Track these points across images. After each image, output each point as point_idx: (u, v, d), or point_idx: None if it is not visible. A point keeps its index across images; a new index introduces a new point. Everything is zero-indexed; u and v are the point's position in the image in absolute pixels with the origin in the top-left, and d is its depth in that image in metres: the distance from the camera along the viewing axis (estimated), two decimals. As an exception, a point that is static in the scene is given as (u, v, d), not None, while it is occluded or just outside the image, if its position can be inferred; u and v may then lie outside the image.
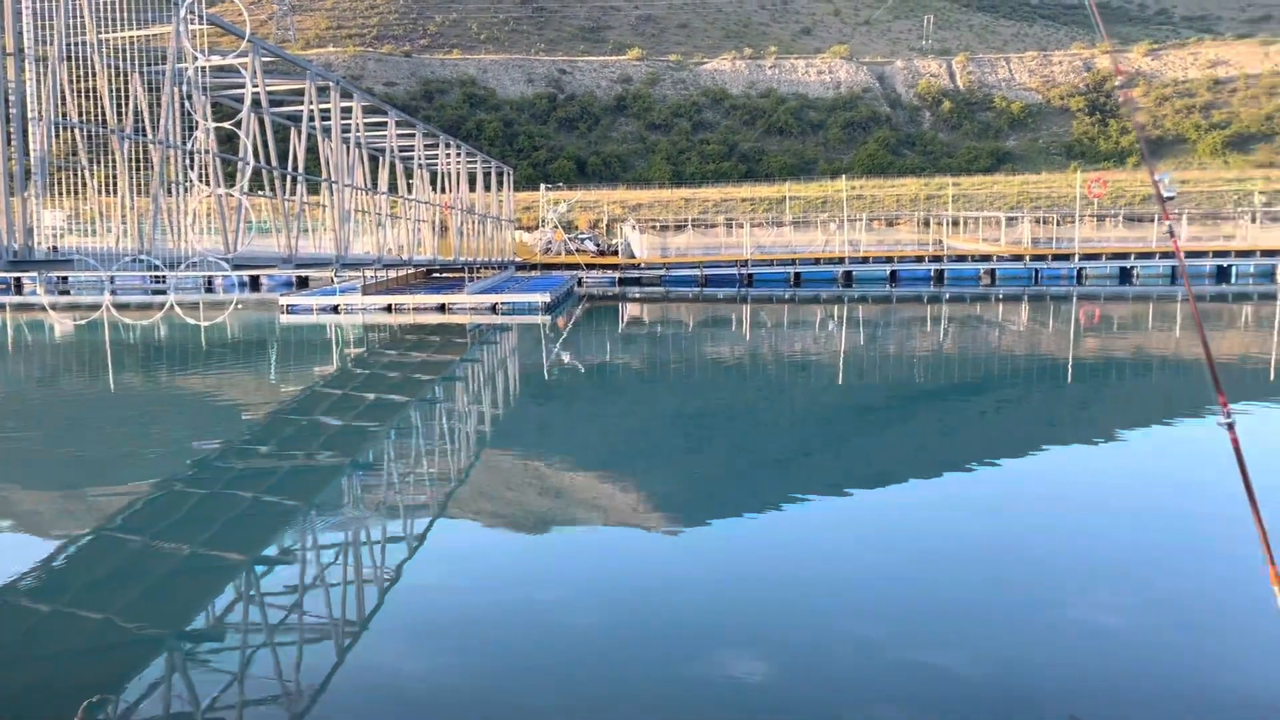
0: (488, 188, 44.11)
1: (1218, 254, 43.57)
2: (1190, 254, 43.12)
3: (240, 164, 18.00)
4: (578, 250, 48.40)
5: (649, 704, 7.03)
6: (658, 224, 54.32)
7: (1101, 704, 6.90)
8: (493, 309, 34.11)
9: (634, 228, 50.41)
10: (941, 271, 42.95)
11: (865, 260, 44.17)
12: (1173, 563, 9.69)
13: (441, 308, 34.24)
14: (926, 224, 51.79)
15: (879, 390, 20.92)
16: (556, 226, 50.64)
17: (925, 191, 69.43)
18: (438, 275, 42.96)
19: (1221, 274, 42.60)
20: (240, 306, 39.24)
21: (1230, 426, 2.71)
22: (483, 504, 12.44)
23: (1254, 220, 50.75)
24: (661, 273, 44.82)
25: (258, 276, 46.02)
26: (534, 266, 46.46)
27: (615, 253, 48.71)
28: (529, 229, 55.48)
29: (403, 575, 9.66)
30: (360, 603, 9.10)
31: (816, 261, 44.51)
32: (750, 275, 43.77)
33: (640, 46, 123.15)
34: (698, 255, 46.43)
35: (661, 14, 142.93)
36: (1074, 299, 37.56)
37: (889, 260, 44.04)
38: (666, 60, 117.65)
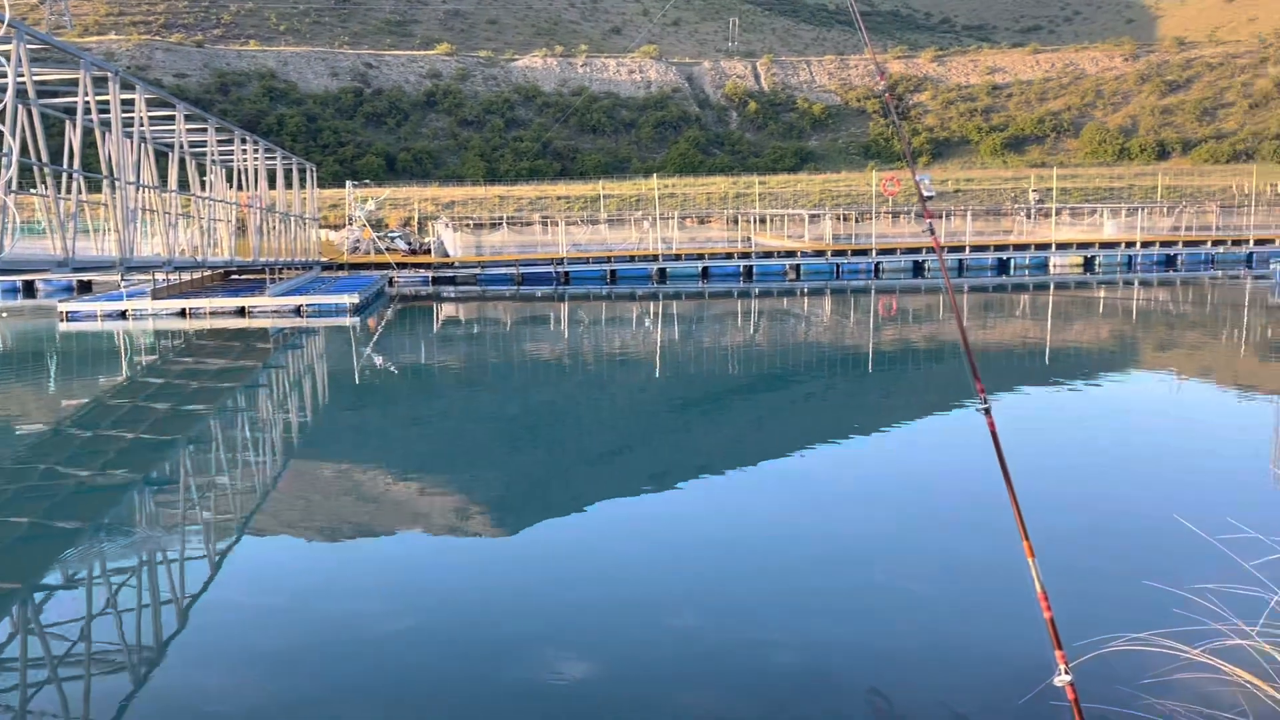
0: (289, 185, 42.30)
1: (998, 248, 46.95)
2: (975, 248, 46.28)
3: (3, 159, 16.50)
4: (388, 249, 47.15)
5: (474, 713, 6.93)
6: (472, 222, 53.63)
7: (895, 675, 7.30)
8: (297, 311, 32.76)
9: (447, 226, 49.57)
10: (750, 268, 44.37)
11: (678, 257, 45.09)
12: (951, 541, 10.36)
13: (241, 311, 32.58)
14: (736, 221, 53.39)
15: (695, 384, 21.40)
16: (365, 225, 49.15)
17: (734, 190, 71.56)
18: (237, 277, 40.87)
19: (1002, 266, 45.92)
20: (3, 315, 36.08)
21: (987, 411, 2.91)
22: (293, 516, 11.92)
23: (1029, 216, 55.07)
24: (477, 271, 44.28)
25: (32, 282, 42.43)
26: (341, 266, 44.92)
27: (428, 251, 47.75)
28: (336, 228, 53.60)
29: (205, 595, 9.13)
30: (157, 628, 8.54)
31: (632, 259, 45.08)
32: (567, 273, 43.87)
33: (449, 41, 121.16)
34: (514, 253, 46.15)
35: (470, 9, 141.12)
36: (872, 292, 39.62)
37: (701, 257, 45.13)
38: (477, 56, 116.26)
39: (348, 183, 57.12)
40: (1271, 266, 38.45)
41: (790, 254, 45.46)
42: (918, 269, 44.92)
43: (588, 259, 44.99)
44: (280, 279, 38.45)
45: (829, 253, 45.16)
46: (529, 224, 54.12)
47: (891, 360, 24.19)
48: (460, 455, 15.41)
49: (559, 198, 67.51)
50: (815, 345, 26.96)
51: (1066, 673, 2.61)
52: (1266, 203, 58.55)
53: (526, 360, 25.03)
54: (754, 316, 34.29)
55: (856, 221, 52.83)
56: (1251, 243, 47.04)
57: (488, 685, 7.21)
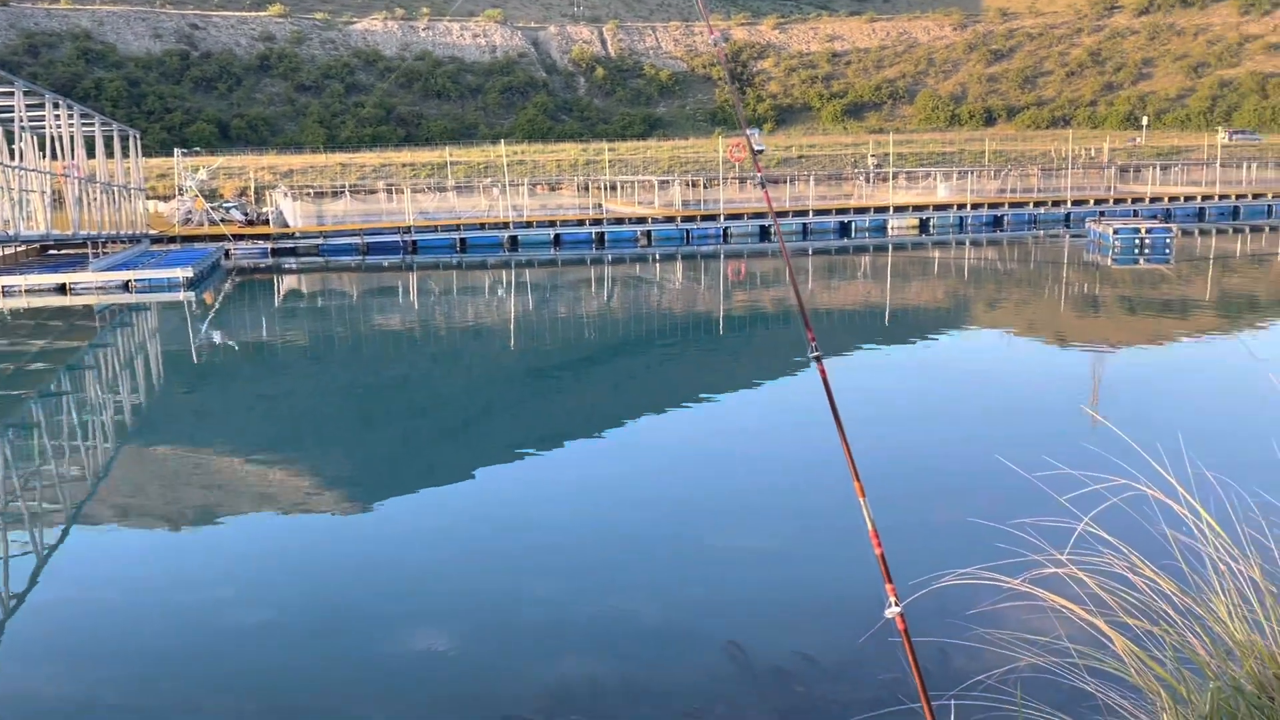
0: (111, 154, 39.74)
1: (839, 211, 48.51)
2: (818, 212, 47.68)
3: None
4: (223, 220, 44.97)
5: (335, 697, 6.78)
6: (313, 191, 51.66)
7: (751, 626, 7.56)
8: (125, 287, 30.93)
9: (287, 195, 47.59)
10: (602, 234, 44.45)
11: (530, 225, 44.73)
12: (798, 493, 10.76)
13: (62, 289, 30.52)
14: (587, 188, 53.31)
15: (550, 353, 21.36)
16: (197, 195, 46.66)
17: (584, 156, 71.33)
18: (55, 252, 38.21)
19: (843, 229, 47.48)
20: None
21: (818, 358, 3.03)
22: (129, 505, 11.33)
23: (868, 181, 57.07)
24: (319, 242, 42.76)
25: None
26: (173, 239, 42.59)
27: (266, 222, 45.77)
28: (165, 199, 50.71)
29: (31, 595, 8.59)
30: (-23, 628, 7.99)
31: (482, 227, 44.44)
32: (414, 242, 42.89)
33: (282, 3, 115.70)
34: (358, 223, 44.73)
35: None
36: (722, 257, 40.35)
37: (553, 224, 44.89)
38: (312, 19, 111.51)
39: (176, 151, 54.04)
40: (1087, 226, 41.12)
41: (641, 220, 45.75)
42: (764, 233, 45.97)
43: (436, 227, 44.10)
44: (105, 253, 36.16)
45: (679, 219, 45.68)
46: (373, 192, 52.56)
47: (740, 323, 24.76)
48: (308, 433, 14.95)
49: (404, 165, 65.77)
50: (668, 311, 27.30)
51: (896, 604, 2.75)
52: (1082, 166, 62.49)
53: (375, 332, 24.42)
54: (608, 283, 34.42)
55: (705, 188, 53.55)
56: (1069, 203, 50.13)
57: (348, 666, 7.08)
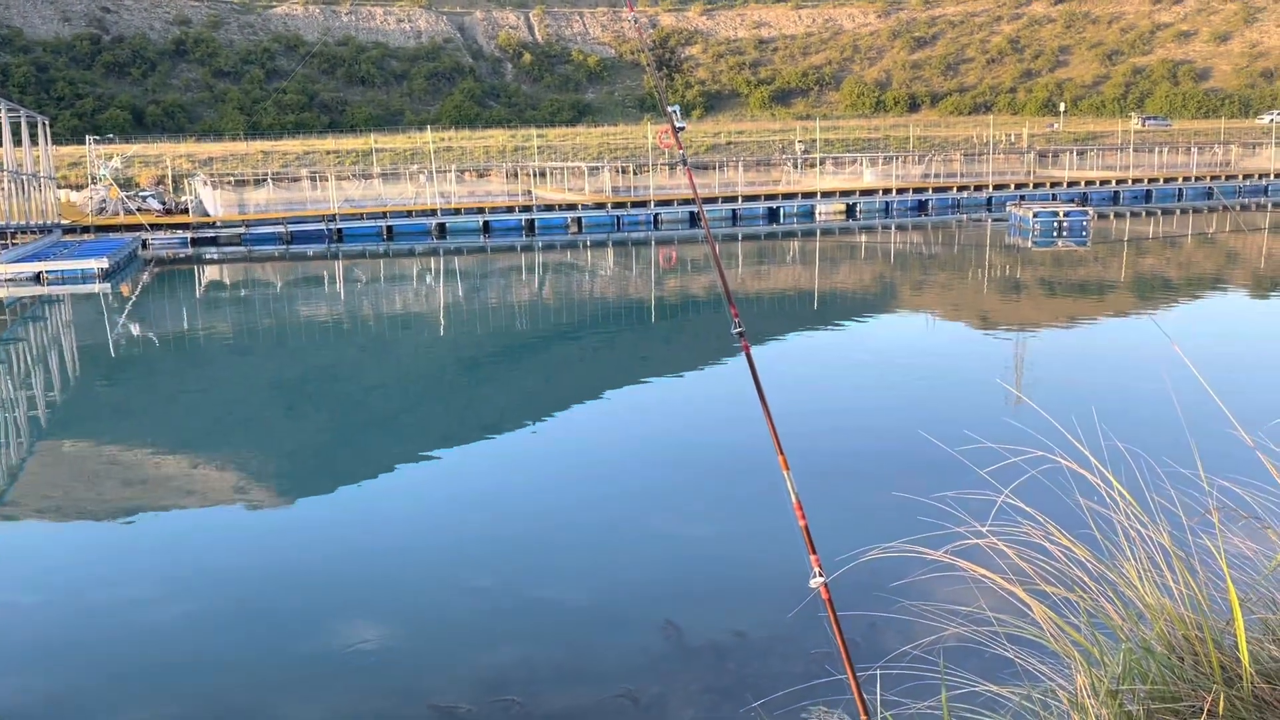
0: (18, 142, 38.29)
1: (768, 197, 48.90)
2: (747, 198, 48.00)
3: None
4: (140, 210, 43.64)
5: (261, 689, 6.67)
6: (234, 179, 50.40)
7: (686, 605, 7.62)
8: (37, 279, 29.87)
9: (206, 184, 46.36)
10: (532, 221, 44.18)
11: (458, 212, 44.25)
12: (727, 474, 10.86)
13: (-29, 282, 29.36)
14: (516, 175, 52.90)
15: (480, 342, 21.19)
16: (112, 184, 45.18)
17: (513, 143, 70.77)
18: (-37, 244, 36.69)
19: (772, 215, 47.88)
20: None
21: (741, 335, 3.05)
22: (47, 502, 10.98)
23: (795, 166, 57.60)
24: (241, 231, 41.76)
25: None
26: (86, 229, 41.22)
27: (185, 211, 44.55)
28: (77, 188, 49.01)
29: (-61, 594, 8.29)
30: (-117, 634, 7.69)
31: (409, 214, 43.84)
32: (340, 230, 42.14)
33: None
34: (281, 211, 43.77)
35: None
36: (653, 243, 40.40)
37: (481, 211, 44.49)
38: (230, 3, 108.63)
39: (89, 138, 52.27)
40: (1008, 209, 42.08)
41: (571, 207, 45.58)
42: (695, 219, 46.13)
43: (362, 215, 43.41)
44: (14, 244, 34.85)
45: (609, 205, 45.61)
46: (297, 180, 51.47)
47: (671, 310, 24.84)
48: (233, 427, 14.62)
49: (329, 152, 64.53)
50: (599, 298, 27.26)
51: (820, 575, 2.79)
52: (1003, 151, 63.89)
53: (301, 323, 23.95)
54: (538, 270, 34.24)
55: (635, 174, 53.54)
56: (991, 188, 51.23)
57: (276, 661, 6.97)
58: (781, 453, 3.06)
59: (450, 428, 13.96)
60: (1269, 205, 48.56)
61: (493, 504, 10.28)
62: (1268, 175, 54.68)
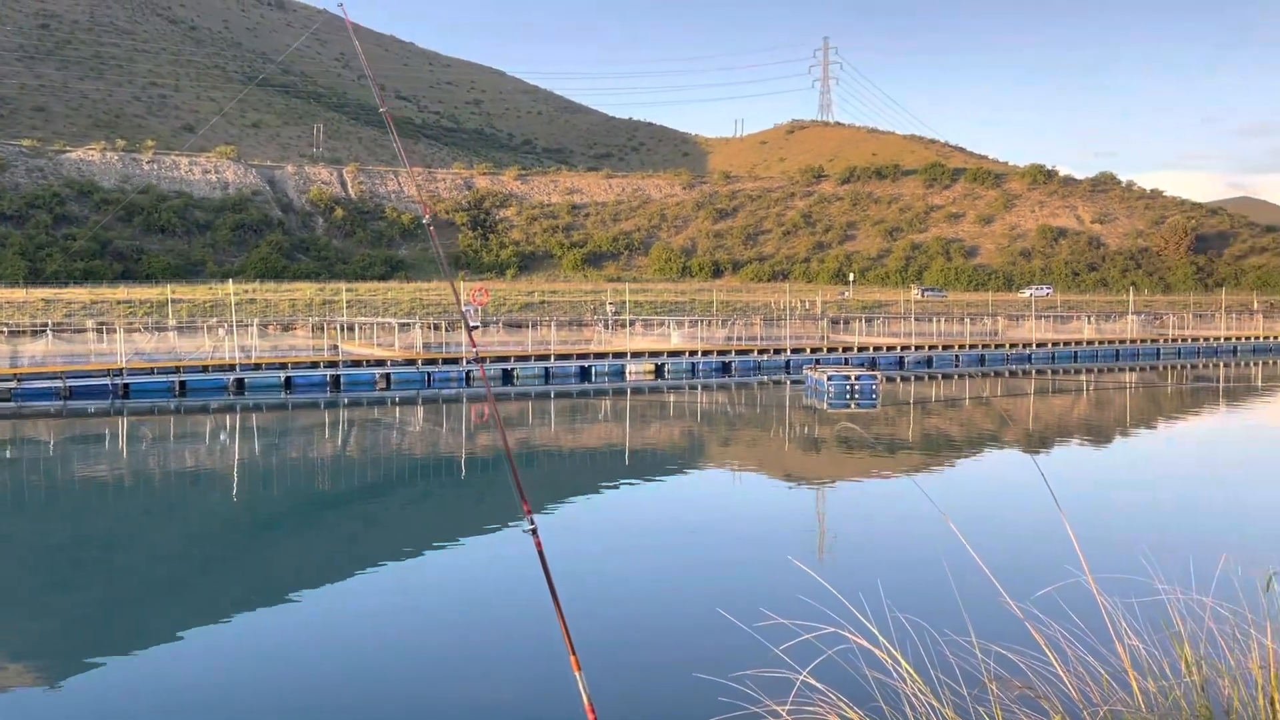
0: None
1: (580, 356, 49.75)
2: (559, 356, 48.67)
3: None
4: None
5: None
6: (8, 329, 46.88)
7: None
8: None
9: (-25, 333, 42.83)
10: (338, 377, 43.02)
11: (258, 367, 42.58)
12: (508, 661, 10.53)
13: None
14: (322, 329, 51.74)
15: (273, 501, 20.09)
16: None
17: (321, 296, 69.52)
18: None
19: (584, 373, 48.62)
20: None
21: (534, 532, 3.01)
22: None
23: (607, 326, 59.15)
24: (12, 385, 38.56)
25: None
26: None
27: (-50, 362, 40.82)
28: None
29: None
30: None
31: (205, 369, 41.80)
32: (127, 385, 39.59)
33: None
34: (60, 364, 40.83)
35: (12, 93, 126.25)
36: (464, 400, 40.03)
37: (284, 366, 42.99)
38: (19, 145, 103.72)
39: None
40: (804, 373, 44.40)
41: (380, 363, 44.78)
42: (507, 377, 46.20)
43: (152, 369, 41.04)
44: None
45: (420, 361, 45.11)
46: (81, 331, 48.40)
47: (474, 467, 24.44)
48: (-19, 603, 13.07)
49: (120, 302, 61.33)
50: (397, 457, 26.55)
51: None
52: (799, 317, 67.93)
53: (75, 483, 22.04)
54: (342, 428, 33.14)
55: (447, 330, 53.40)
56: (788, 351, 54.08)
57: None
58: (574, 653, 2.98)
59: (238, 593, 13.02)
60: (1033, 371, 53.44)
61: (265, 676, 9.53)
62: (1030, 344, 60.38)
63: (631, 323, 59.03)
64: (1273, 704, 3.73)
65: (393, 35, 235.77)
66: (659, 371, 49.77)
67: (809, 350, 53.90)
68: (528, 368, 47.16)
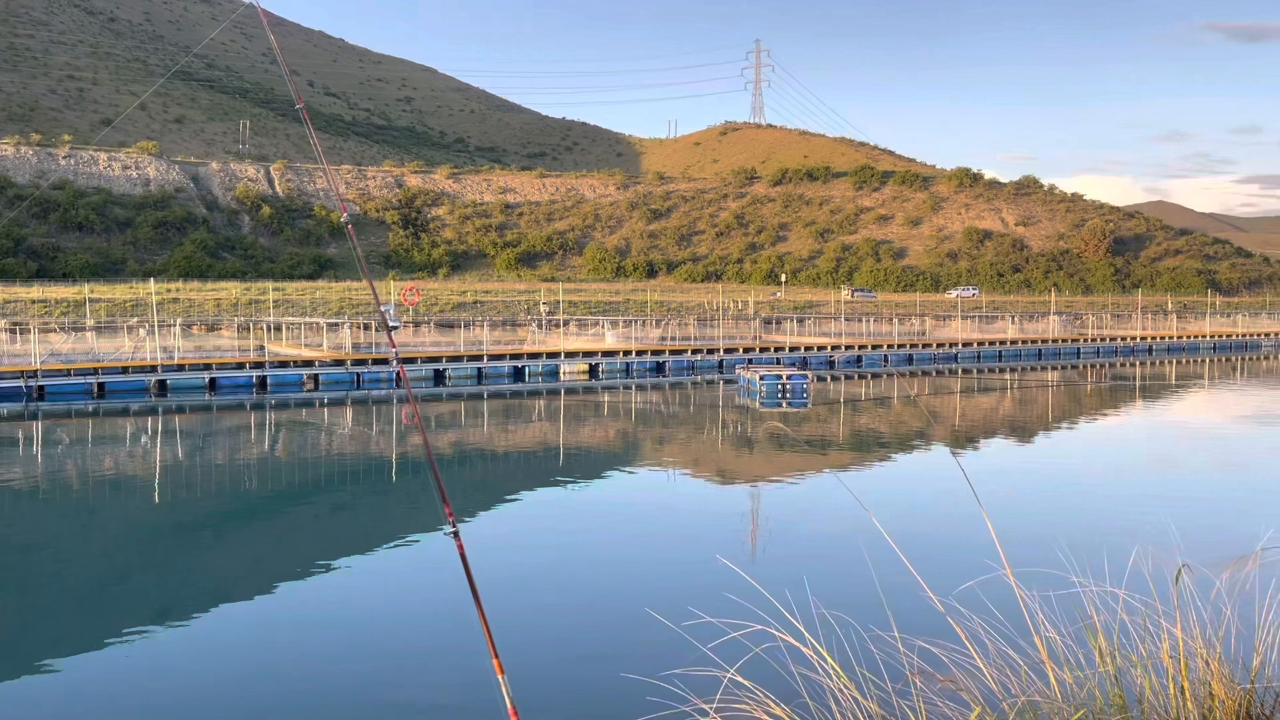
0: None
1: (514, 356, 49.43)
2: (493, 357, 48.30)
3: None
4: None
5: None
6: (-86, 329, 44.99)
7: None
8: None
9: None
10: (265, 378, 42.12)
11: (181, 368, 41.50)
12: (427, 667, 10.42)
13: None
14: (248, 329, 50.64)
15: (193, 505, 19.59)
16: None
17: (247, 296, 68.05)
18: None
19: (518, 374, 48.33)
20: None
21: (456, 535, 2.96)
22: None
23: (540, 326, 58.87)
24: (-83, 389, 37.06)
25: None
26: None
27: None
28: None
29: None
30: None
31: (125, 370, 40.60)
32: (41, 388, 38.27)
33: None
34: (-31, 366, 39.35)
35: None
36: (394, 401, 39.50)
37: (208, 368, 41.95)
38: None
39: None
40: (737, 372, 44.72)
41: (308, 363, 43.96)
42: (438, 377, 45.71)
43: (69, 371, 39.75)
44: None
45: (349, 362, 44.40)
46: (-7, 331, 46.67)
47: (402, 470, 24.14)
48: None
49: (34, 301, 59.32)
50: (322, 460, 26.11)
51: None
52: (732, 317, 68.42)
53: (-16, 491, 21.23)
54: (265, 431, 32.46)
55: (377, 330, 52.65)
56: (721, 351, 54.43)
57: None
58: (496, 656, 2.94)
59: (164, 599, 12.68)
60: (959, 370, 54.57)
61: (192, 683, 9.28)
62: (956, 344, 61.63)
63: (566, 323, 58.87)
64: (1183, 692, 3.84)
65: (321, 31, 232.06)
66: (593, 372, 49.69)
67: (742, 350, 54.30)
68: (460, 368, 46.71)
